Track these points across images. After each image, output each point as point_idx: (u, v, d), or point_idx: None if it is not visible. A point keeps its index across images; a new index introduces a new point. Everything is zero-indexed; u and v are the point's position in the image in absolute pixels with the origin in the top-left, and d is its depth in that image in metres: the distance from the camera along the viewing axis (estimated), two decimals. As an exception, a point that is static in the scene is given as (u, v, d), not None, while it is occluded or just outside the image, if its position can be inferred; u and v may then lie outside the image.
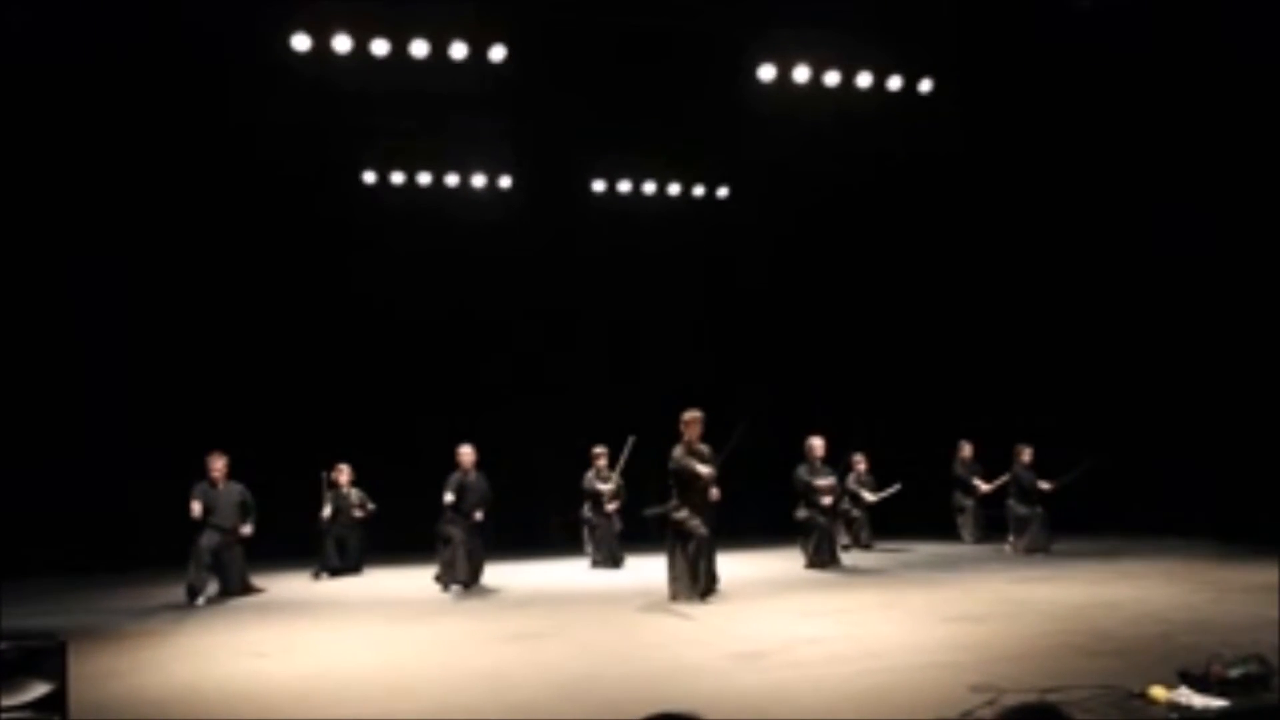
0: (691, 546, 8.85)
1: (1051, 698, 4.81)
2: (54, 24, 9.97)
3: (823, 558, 11.18)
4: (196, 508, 9.85)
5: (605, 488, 11.99)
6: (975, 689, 5.06)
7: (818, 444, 11.55)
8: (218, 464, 10.18)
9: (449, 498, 10.27)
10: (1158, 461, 12.73)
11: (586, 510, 12.27)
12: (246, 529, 10.19)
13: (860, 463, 13.12)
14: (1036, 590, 8.87)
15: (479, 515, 10.48)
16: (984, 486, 13.28)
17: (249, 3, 10.14)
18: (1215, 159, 11.91)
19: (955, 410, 13.92)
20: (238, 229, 13.14)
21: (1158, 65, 11.61)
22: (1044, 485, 12.23)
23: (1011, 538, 12.29)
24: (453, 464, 10.54)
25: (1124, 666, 5.50)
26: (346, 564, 11.81)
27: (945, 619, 7.46)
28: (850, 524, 12.95)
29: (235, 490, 10.24)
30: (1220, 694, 4.68)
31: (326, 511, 11.69)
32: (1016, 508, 12.31)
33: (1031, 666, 5.64)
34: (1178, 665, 5.01)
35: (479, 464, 10.63)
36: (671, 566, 8.98)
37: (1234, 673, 4.77)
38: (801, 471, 11.43)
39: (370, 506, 12.14)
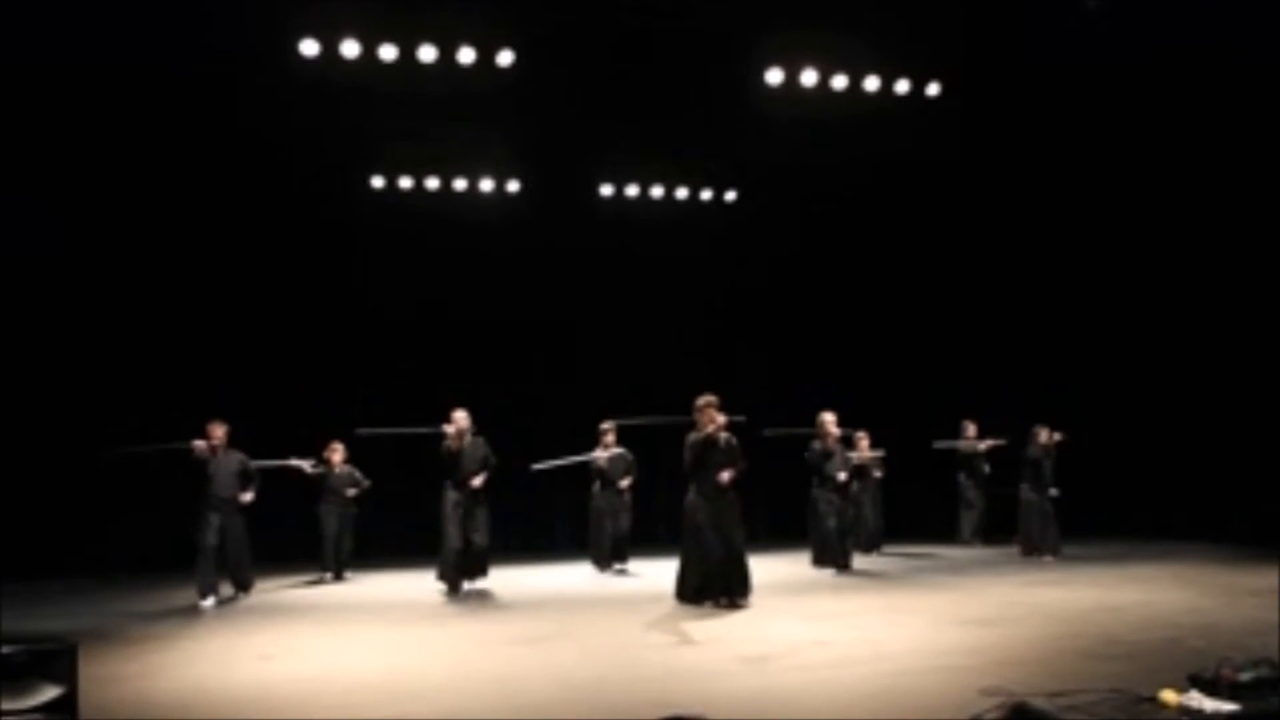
0: (693, 542, 8.75)
1: (1061, 702, 4.80)
2: (61, 27, 10.00)
3: (830, 556, 11.01)
4: (200, 445, 9.81)
5: (603, 454, 11.83)
6: (984, 692, 5.05)
7: (830, 419, 11.13)
8: (218, 432, 9.97)
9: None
10: (1166, 465, 12.70)
11: (596, 489, 11.97)
12: (247, 496, 10.06)
13: (863, 439, 12.79)
14: (1045, 594, 8.86)
15: (476, 481, 10.04)
16: (984, 445, 13.29)
17: (258, 7, 10.17)
18: (1217, 164, 11.91)
19: (960, 414, 13.87)
20: (245, 234, 13.18)
21: (1163, 70, 11.61)
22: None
23: (1018, 539, 12.09)
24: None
25: (1133, 670, 5.49)
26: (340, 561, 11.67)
27: (953, 622, 7.45)
28: (857, 515, 12.53)
29: (235, 459, 10.08)
30: (1231, 698, 4.66)
31: (308, 467, 11.40)
32: (1027, 495, 12.00)
33: (1040, 670, 5.64)
34: (1188, 669, 4.98)
35: (476, 430, 10.27)
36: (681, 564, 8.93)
37: (1244, 676, 4.75)
38: (816, 447, 11.16)
39: (365, 483, 11.86)
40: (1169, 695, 4.75)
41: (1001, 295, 14.98)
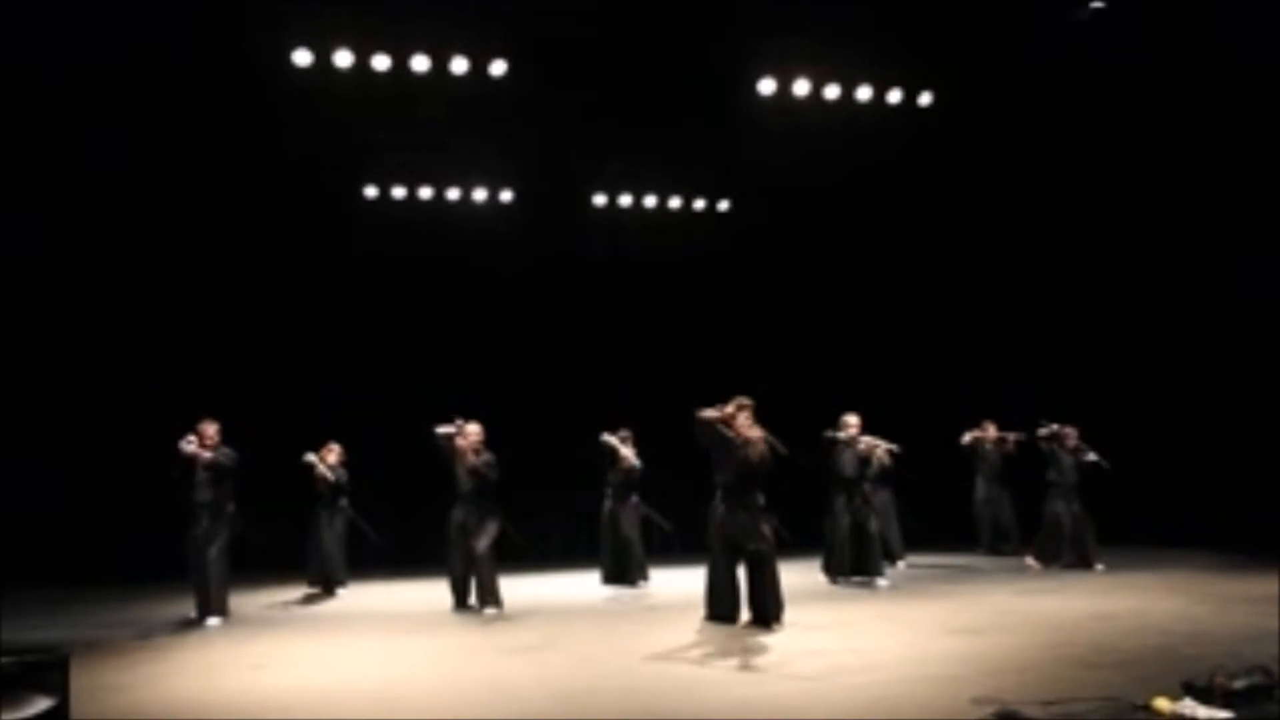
0: (709, 559, 8.34)
1: (1053, 710, 4.81)
2: (56, 34, 10.01)
3: (837, 563, 10.70)
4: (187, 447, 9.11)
5: (623, 449, 11.12)
6: (976, 701, 5.05)
7: (853, 421, 10.80)
8: (209, 430, 9.28)
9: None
10: (1160, 471, 12.70)
11: (607, 500, 11.42)
12: (189, 447, 9.16)
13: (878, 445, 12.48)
14: (1039, 602, 8.86)
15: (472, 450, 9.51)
16: (1010, 438, 12.78)
17: (251, 18, 10.18)
18: (1214, 168, 11.96)
19: (958, 423, 13.88)
20: (239, 246, 13.16)
21: (1156, 77, 11.66)
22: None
23: (1032, 553, 11.63)
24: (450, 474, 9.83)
25: (1127, 678, 5.49)
26: (334, 575, 11.17)
27: (947, 631, 7.45)
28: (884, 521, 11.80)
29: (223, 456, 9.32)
30: (1224, 705, 4.68)
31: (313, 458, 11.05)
32: (1054, 503, 11.48)
33: (1033, 679, 5.63)
34: (1181, 677, 4.99)
35: (487, 442, 9.74)
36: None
37: (1238, 684, 4.76)
38: (829, 437, 10.68)
39: (334, 478, 11.22)
40: (1162, 703, 4.76)
41: (996, 305, 14.99)
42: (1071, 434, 11.63)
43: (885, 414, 12.03)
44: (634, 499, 11.42)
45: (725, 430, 8.05)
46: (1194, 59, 11.17)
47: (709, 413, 8.06)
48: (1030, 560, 11.69)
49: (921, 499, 13.30)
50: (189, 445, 9.23)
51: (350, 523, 11.56)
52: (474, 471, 9.53)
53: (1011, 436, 12.92)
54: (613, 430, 11.34)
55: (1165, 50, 11.20)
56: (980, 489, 13.39)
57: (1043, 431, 11.68)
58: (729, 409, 8.10)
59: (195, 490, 9.31)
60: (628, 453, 11.22)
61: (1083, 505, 11.55)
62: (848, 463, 10.85)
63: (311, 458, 11.20)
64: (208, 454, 9.26)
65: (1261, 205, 11.49)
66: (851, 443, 10.85)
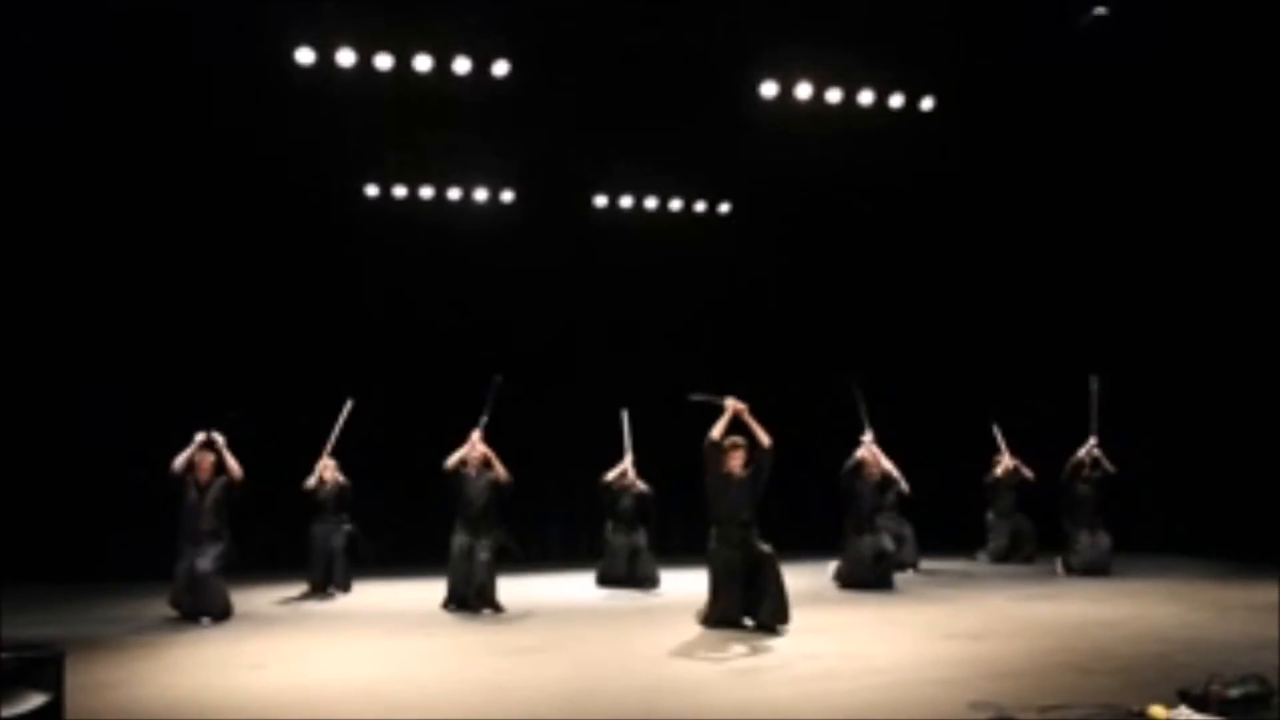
0: (713, 583, 8.35)
1: (1050, 716, 4.82)
2: (61, 35, 10.02)
3: (857, 576, 10.64)
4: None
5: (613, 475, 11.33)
6: (973, 706, 5.06)
7: (867, 439, 10.95)
8: (205, 464, 9.31)
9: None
10: (1158, 479, 12.72)
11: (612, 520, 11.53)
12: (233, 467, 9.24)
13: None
14: (1036, 608, 8.87)
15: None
16: (1003, 467, 12.78)
17: (254, 16, 10.19)
18: (1217, 173, 11.97)
19: (959, 425, 13.88)
20: (240, 244, 13.15)
21: (1159, 83, 11.67)
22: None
23: (1061, 560, 11.64)
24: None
25: (1123, 685, 5.50)
26: (335, 579, 11.12)
27: (945, 636, 7.45)
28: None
29: (218, 487, 9.30)
30: (1220, 713, 4.68)
31: (312, 482, 11.13)
32: (1070, 517, 11.54)
33: (1031, 684, 5.64)
34: (1177, 684, 5.00)
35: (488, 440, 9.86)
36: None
37: (1234, 692, 4.77)
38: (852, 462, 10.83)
39: (338, 477, 11.29)
40: (1158, 710, 4.76)
41: (997, 308, 15.00)
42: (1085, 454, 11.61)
43: (887, 412, 12.08)
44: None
45: (719, 468, 8.31)
46: (1197, 63, 11.17)
47: (716, 431, 8.33)
48: (1059, 568, 11.69)
49: (924, 505, 13.32)
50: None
51: (352, 539, 11.42)
52: (505, 485, 9.65)
53: (1028, 474, 12.79)
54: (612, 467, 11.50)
55: (1168, 55, 11.20)
56: (993, 524, 13.23)
57: (1096, 453, 11.60)
58: (727, 443, 8.35)
59: (199, 518, 9.21)
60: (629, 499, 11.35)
61: (1103, 522, 11.52)
62: (865, 493, 10.87)
63: (311, 483, 11.19)
64: (236, 484, 9.30)
65: (1263, 210, 11.49)
66: (868, 474, 10.87)
